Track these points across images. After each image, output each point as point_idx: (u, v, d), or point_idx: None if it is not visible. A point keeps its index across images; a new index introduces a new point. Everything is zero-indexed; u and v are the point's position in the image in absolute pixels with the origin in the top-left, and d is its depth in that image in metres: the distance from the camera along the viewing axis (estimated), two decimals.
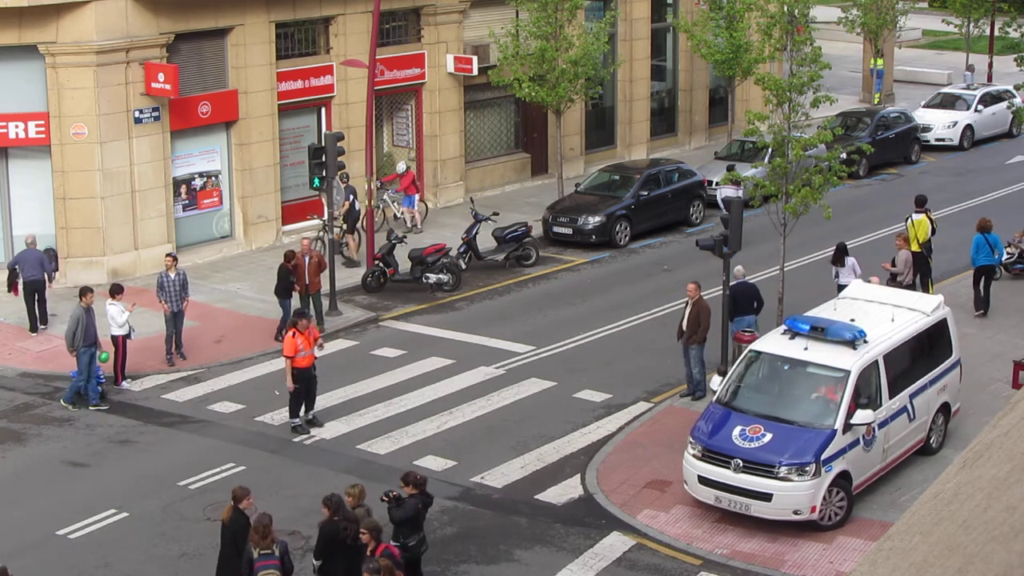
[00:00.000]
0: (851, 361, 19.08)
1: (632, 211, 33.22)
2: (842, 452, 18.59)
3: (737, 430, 18.89)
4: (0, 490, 20.19)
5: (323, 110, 33.34)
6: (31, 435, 22.05)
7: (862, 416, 18.67)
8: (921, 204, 28.21)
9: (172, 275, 25.03)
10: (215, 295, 28.81)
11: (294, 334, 21.62)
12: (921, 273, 27.09)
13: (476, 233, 31.09)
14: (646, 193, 33.65)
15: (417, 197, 33.70)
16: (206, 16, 30.51)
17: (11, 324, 27.01)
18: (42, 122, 28.83)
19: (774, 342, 20.16)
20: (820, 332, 19.55)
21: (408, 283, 29.42)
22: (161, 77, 29.00)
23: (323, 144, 28.07)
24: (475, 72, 35.19)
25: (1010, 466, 4.97)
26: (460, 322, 27.55)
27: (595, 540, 18.51)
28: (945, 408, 21.07)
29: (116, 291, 23.88)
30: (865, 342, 19.45)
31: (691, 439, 19.30)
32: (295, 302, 26.20)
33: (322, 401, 23.25)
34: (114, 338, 23.63)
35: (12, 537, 18.64)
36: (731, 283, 24.00)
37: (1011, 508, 4.57)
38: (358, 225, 31.06)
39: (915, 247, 27.11)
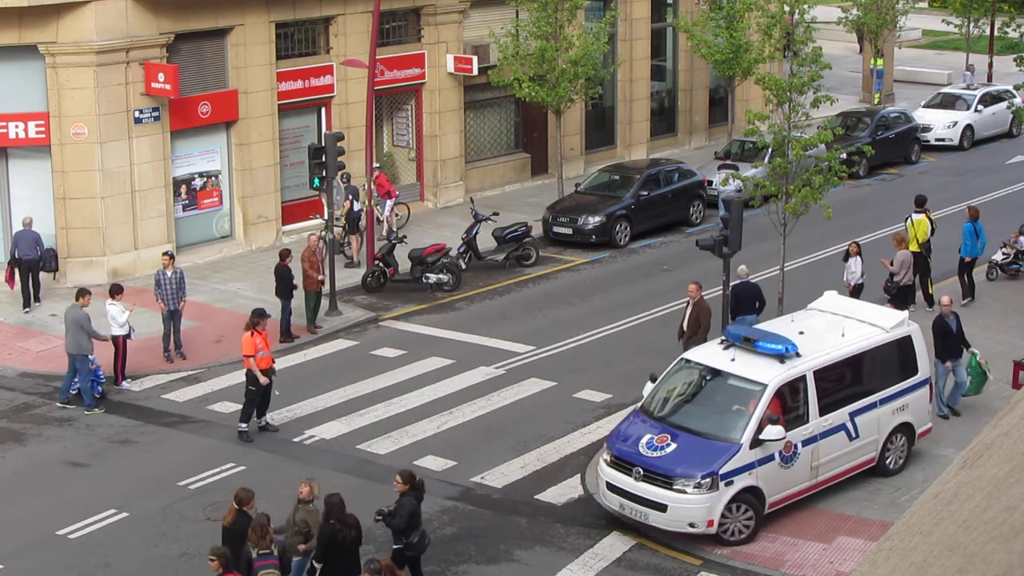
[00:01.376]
0: (771, 375, 18.61)
1: (632, 211, 33.22)
2: (748, 467, 18.15)
3: (646, 438, 18.69)
4: (0, 490, 20.19)
5: (323, 110, 33.35)
6: (31, 435, 22.05)
7: (772, 432, 18.14)
8: (921, 204, 28.27)
9: (169, 273, 25.03)
10: (215, 295, 28.80)
11: (252, 333, 21.45)
12: (921, 273, 27.13)
13: (476, 233, 31.08)
14: (646, 193, 33.65)
15: (390, 203, 32.61)
16: (206, 16, 30.52)
17: (11, 324, 27.02)
18: (42, 122, 28.83)
19: (706, 351, 19.84)
20: (751, 343, 19.12)
21: (408, 283, 29.42)
22: (161, 77, 29.01)
23: (323, 144, 28.07)
24: (475, 72, 35.19)
25: (1010, 466, 4.97)
26: (460, 322, 27.55)
27: (595, 540, 18.51)
28: (906, 428, 20.22)
29: (116, 291, 23.88)
30: (797, 356, 18.93)
31: (605, 444, 19.27)
32: (298, 302, 26.26)
33: (322, 401, 23.27)
34: (114, 338, 23.64)
35: (12, 537, 18.64)
36: (734, 283, 23.99)
37: (1011, 508, 4.57)
38: (359, 225, 31.02)
39: (914, 247, 27.13)
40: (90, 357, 23.08)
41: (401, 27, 34.93)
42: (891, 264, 25.87)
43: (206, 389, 23.99)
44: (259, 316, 21.86)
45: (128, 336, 23.77)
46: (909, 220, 27.89)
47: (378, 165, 33.28)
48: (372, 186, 30.66)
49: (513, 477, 20.55)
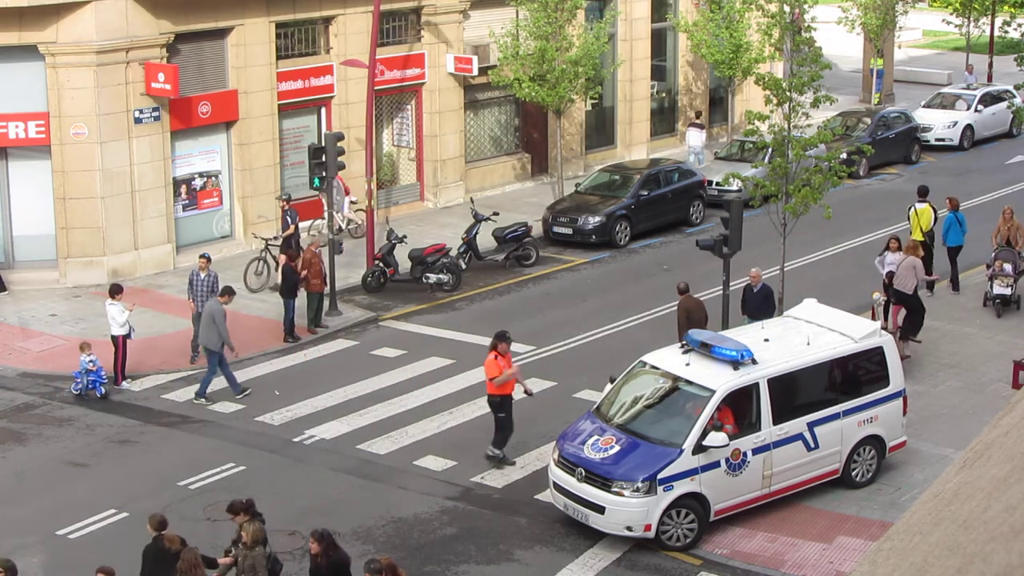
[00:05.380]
0: (720, 381, 18.42)
1: (632, 211, 33.21)
2: (690, 473, 17.99)
3: (592, 440, 18.65)
4: (0, 490, 20.19)
5: (323, 110, 33.35)
6: (31, 435, 22.05)
7: (715, 439, 17.98)
8: (923, 194, 28.75)
9: (203, 275, 24.99)
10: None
11: (496, 356, 20.44)
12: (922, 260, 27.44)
13: (476, 233, 31.08)
14: (646, 193, 33.65)
15: (347, 200, 31.98)
16: (206, 16, 30.52)
17: (11, 324, 27.03)
18: (42, 122, 28.83)
19: (664, 355, 19.69)
20: (708, 349, 18.92)
21: (408, 283, 29.42)
22: (161, 77, 29.01)
23: (323, 144, 28.08)
24: (475, 72, 35.19)
25: (1010, 466, 4.97)
26: (460, 322, 27.55)
27: (595, 540, 18.51)
28: (875, 441, 19.82)
29: (116, 291, 23.89)
30: (753, 363, 18.72)
31: (555, 443, 19.30)
32: (301, 301, 26.29)
33: (322, 401, 23.28)
34: (114, 338, 23.66)
35: (12, 537, 18.64)
36: (756, 288, 24.00)
37: (1011, 508, 4.56)
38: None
39: (918, 236, 27.72)
40: (88, 359, 23.13)
41: (401, 27, 34.93)
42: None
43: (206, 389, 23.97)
44: (501, 339, 20.72)
45: (128, 336, 23.79)
46: (912, 209, 28.20)
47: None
48: (373, 187, 30.62)
49: (513, 477, 20.55)
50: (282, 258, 28.64)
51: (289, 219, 29.04)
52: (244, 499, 16.21)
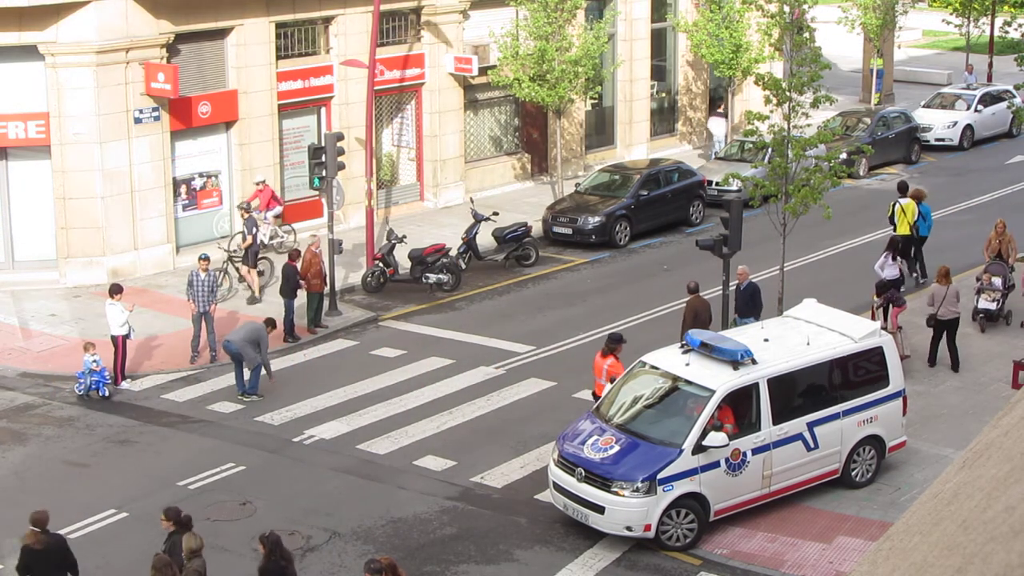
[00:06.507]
0: (720, 381, 18.41)
1: (632, 211, 33.21)
2: (690, 473, 18.00)
3: (592, 440, 18.65)
4: (0, 490, 20.19)
5: (323, 110, 33.35)
6: (31, 435, 22.05)
7: (714, 438, 17.97)
8: (903, 190, 29.48)
9: (203, 276, 24.97)
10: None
11: (616, 359, 20.44)
12: (914, 253, 27.72)
13: (476, 233, 31.08)
14: (646, 193, 33.65)
15: (273, 213, 31.17)
16: (206, 16, 30.52)
17: (11, 324, 27.03)
18: (42, 122, 28.83)
19: (665, 355, 19.67)
20: (709, 349, 18.93)
21: (408, 283, 29.43)
22: (161, 77, 29.01)
23: (323, 144, 28.09)
24: (475, 72, 35.19)
25: (1010, 466, 4.97)
26: (460, 322, 27.56)
27: (595, 540, 18.51)
28: (875, 441, 19.79)
29: (116, 291, 23.89)
30: (753, 363, 18.71)
31: (555, 443, 19.32)
32: (301, 301, 26.29)
33: (322, 401, 23.28)
34: (114, 338, 23.66)
35: (12, 537, 18.62)
36: (742, 286, 24.07)
37: (1011, 508, 4.56)
38: (259, 259, 29.16)
39: (905, 230, 28.37)
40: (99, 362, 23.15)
41: (401, 27, 34.93)
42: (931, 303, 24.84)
43: (206, 389, 23.99)
44: (619, 340, 20.68)
45: (128, 336, 23.79)
46: (897, 205, 28.52)
47: (263, 179, 31.37)
48: (372, 187, 30.61)
49: (513, 477, 20.55)
50: (248, 270, 28.65)
51: (246, 230, 28.63)
52: (184, 513, 15.97)
